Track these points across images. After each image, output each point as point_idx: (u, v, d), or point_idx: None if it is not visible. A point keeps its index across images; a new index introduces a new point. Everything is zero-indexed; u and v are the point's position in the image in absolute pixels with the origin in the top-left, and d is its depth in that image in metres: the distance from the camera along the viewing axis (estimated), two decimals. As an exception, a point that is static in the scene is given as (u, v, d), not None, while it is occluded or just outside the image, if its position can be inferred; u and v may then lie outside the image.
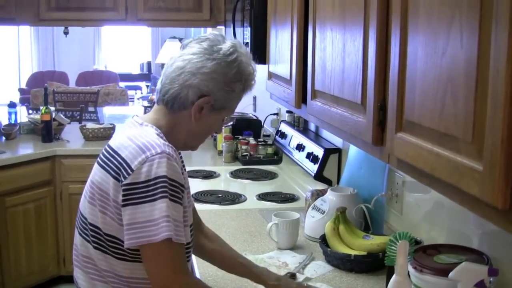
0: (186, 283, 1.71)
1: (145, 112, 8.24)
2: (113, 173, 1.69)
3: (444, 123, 1.21)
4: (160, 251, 1.64)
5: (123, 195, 1.65)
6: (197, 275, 2.23)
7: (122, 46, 15.09)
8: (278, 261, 2.40)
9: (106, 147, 1.81)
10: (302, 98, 2.34)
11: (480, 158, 1.08)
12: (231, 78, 1.78)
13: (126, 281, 1.76)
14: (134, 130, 1.78)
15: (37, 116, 5.04)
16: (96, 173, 1.78)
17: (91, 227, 1.77)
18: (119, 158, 1.70)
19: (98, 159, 1.82)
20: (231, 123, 1.96)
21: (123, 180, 1.65)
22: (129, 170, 1.65)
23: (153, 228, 1.61)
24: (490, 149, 1.04)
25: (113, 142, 1.80)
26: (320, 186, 3.13)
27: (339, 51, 1.84)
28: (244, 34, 3.29)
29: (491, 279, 1.52)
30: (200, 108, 1.78)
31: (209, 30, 6.40)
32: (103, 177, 1.73)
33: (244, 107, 4.90)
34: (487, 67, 1.04)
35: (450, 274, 1.51)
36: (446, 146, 1.22)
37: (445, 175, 1.21)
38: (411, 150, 1.37)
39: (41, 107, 5.02)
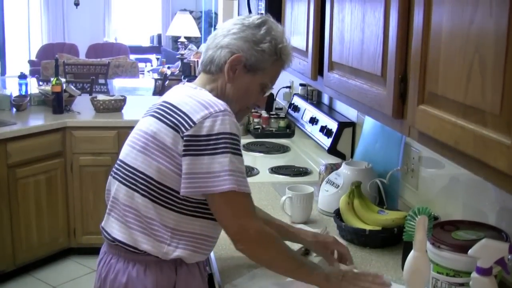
0: (261, 229, 1.81)
1: (154, 85, 8.27)
2: (172, 125, 1.79)
3: (470, 95, 1.17)
4: (228, 202, 1.76)
5: (184, 145, 1.75)
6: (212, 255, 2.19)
7: (133, 19, 15.03)
8: (291, 235, 2.38)
9: (162, 102, 1.90)
10: (318, 70, 2.30)
11: (509, 131, 1.05)
12: (259, 38, 1.88)
13: (171, 232, 1.83)
14: (191, 91, 1.89)
15: (48, 88, 5.02)
16: (152, 124, 1.85)
17: (141, 175, 1.84)
18: (180, 112, 1.80)
19: (152, 112, 1.90)
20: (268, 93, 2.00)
21: (184, 131, 1.75)
22: (190, 123, 1.75)
23: (212, 180, 1.72)
24: (520, 122, 1.00)
25: (170, 99, 1.89)
26: (333, 160, 3.10)
27: (359, 22, 1.80)
28: (259, 4, 3.24)
29: (510, 256, 1.50)
30: (233, 68, 1.88)
31: (221, 1, 6.34)
32: (161, 128, 1.81)
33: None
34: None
35: (470, 251, 1.48)
36: (471, 119, 1.18)
37: (470, 149, 1.18)
38: (434, 123, 1.33)
39: (51, 79, 4.99)
